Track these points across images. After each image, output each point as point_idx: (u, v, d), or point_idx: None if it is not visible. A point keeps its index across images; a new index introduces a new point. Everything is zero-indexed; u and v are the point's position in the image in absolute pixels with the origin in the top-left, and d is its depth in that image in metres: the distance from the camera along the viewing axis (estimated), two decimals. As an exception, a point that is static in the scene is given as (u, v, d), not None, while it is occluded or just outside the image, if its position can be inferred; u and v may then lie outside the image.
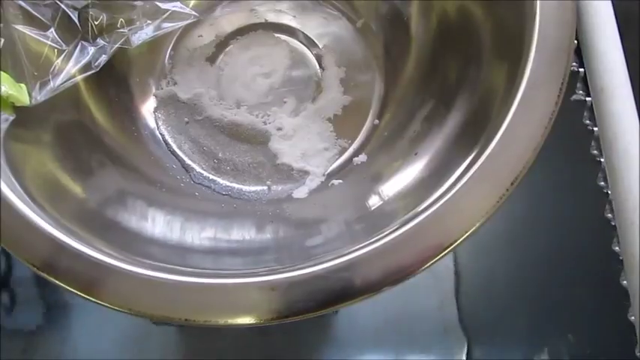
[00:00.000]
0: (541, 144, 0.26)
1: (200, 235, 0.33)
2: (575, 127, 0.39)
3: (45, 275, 0.25)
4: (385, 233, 0.26)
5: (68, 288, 0.25)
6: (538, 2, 0.28)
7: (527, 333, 0.39)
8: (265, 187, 0.37)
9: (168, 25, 0.34)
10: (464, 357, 0.38)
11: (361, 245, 0.25)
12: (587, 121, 0.39)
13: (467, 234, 0.25)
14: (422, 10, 0.38)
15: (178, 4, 0.33)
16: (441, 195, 0.26)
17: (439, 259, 0.24)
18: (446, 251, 0.25)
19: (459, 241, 0.25)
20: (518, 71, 0.28)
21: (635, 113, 0.26)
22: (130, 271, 0.25)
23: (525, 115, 0.27)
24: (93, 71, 0.33)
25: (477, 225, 0.25)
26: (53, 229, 0.26)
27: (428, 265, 0.24)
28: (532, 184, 0.40)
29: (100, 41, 0.33)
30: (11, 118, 0.30)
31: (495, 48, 0.32)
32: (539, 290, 0.39)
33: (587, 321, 0.38)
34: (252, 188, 0.37)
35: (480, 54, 0.32)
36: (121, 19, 0.34)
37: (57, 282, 0.25)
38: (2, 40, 0.31)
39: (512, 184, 0.26)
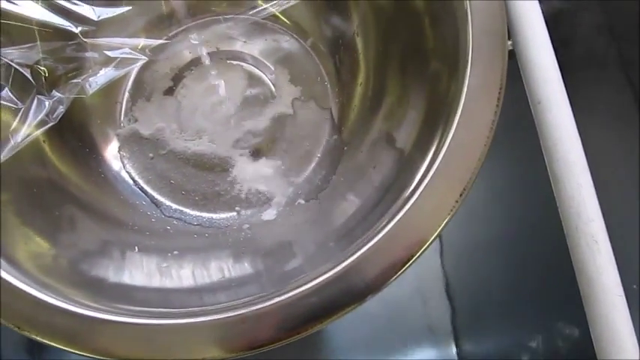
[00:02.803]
0: (485, 153, 0.28)
1: (179, 273, 0.33)
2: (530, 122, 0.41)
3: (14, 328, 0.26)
4: (347, 254, 0.27)
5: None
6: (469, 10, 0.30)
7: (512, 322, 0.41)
8: (234, 213, 0.38)
9: (121, 70, 0.35)
10: (454, 350, 0.40)
11: (326, 269, 0.27)
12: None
13: (423, 248, 0.27)
14: (364, 25, 0.39)
15: (127, 49, 0.34)
16: (396, 212, 0.27)
17: (395, 279, 0.26)
18: (402, 270, 0.26)
19: (415, 257, 0.26)
20: (458, 81, 0.29)
21: (573, 122, 0.27)
22: (102, 319, 0.26)
23: (467, 128, 0.28)
24: (52, 123, 0.34)
25: (432, 238, 0.27)
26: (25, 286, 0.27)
27: (385, 285, 0.26)
28: (492, 180, 0.42)
29: (56, 93, 0.34)
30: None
31: (436, 56, 0.33)
32: (520, 278, 0.41)
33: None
34: (222, 215, 0.38)
35: (423, 61, 0.34)
36: (74, 70, 0.34)
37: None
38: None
39: (460, 195, 0.27)
